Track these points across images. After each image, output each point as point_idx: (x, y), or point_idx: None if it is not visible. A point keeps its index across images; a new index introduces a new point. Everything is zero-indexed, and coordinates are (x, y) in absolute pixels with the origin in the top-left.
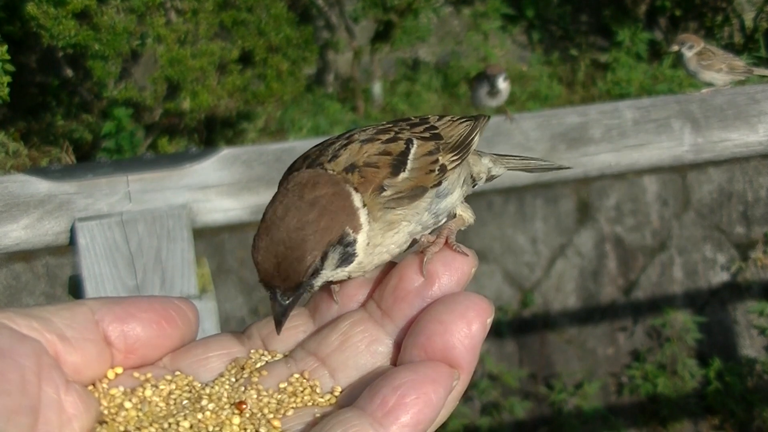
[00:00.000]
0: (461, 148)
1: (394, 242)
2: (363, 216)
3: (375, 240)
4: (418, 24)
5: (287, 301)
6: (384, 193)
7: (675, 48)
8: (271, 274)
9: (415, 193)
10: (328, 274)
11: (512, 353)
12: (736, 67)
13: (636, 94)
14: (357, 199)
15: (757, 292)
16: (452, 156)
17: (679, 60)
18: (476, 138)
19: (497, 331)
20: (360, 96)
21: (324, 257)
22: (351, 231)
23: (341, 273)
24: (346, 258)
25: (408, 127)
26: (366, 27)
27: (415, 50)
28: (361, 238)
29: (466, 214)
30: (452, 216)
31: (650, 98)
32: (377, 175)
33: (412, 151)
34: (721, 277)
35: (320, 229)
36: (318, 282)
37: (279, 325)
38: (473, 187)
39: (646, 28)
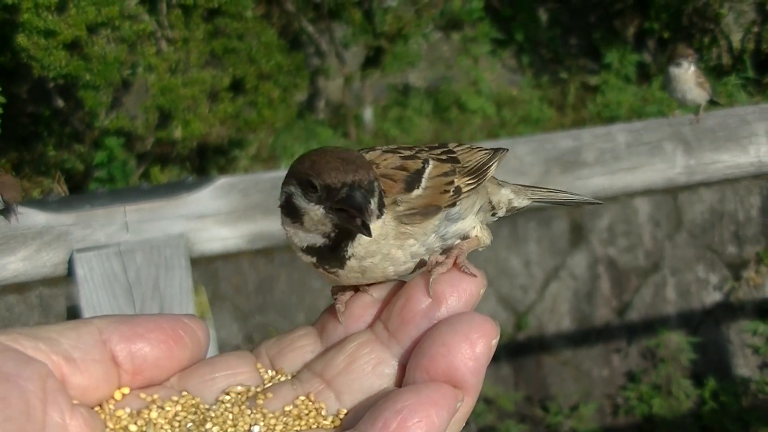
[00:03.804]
0: (478, 173)
1: (396, 256)
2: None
3: (386, 230)
4: (408, 49)
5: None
6: (398, 208)
7: (689, 58)
8: (354, 169)
9: (428, 211)
10: (375, 201)
11: (507, 376)
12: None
13: (626, 116)
14: None
15: (750, 311)
16: (468, 180)
17: (667, 74)
18: (493, 167)
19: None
20: (351, 122)
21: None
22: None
23: (377, 220)
24: (379, 202)
25: (427, 149)
26: (356, 53)
27: (406, 75)
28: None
29: (483, 235)
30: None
31: (642, 121)
32: (393, 188)
33: (427, 170)
34: (714, 296)
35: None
36: (373, 200)
37: (364, 212)
38: (493, 216)
39: (634, 50)
